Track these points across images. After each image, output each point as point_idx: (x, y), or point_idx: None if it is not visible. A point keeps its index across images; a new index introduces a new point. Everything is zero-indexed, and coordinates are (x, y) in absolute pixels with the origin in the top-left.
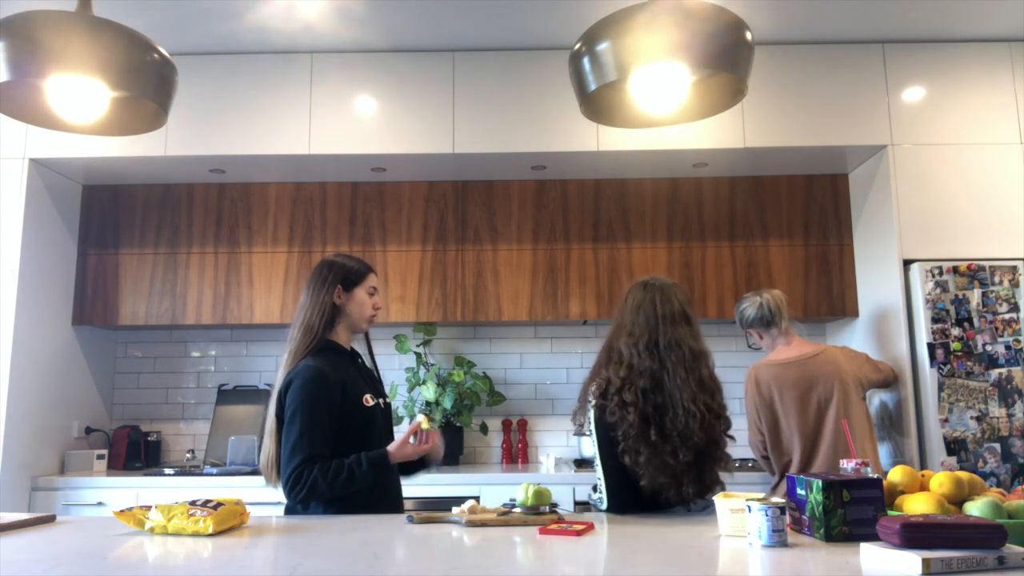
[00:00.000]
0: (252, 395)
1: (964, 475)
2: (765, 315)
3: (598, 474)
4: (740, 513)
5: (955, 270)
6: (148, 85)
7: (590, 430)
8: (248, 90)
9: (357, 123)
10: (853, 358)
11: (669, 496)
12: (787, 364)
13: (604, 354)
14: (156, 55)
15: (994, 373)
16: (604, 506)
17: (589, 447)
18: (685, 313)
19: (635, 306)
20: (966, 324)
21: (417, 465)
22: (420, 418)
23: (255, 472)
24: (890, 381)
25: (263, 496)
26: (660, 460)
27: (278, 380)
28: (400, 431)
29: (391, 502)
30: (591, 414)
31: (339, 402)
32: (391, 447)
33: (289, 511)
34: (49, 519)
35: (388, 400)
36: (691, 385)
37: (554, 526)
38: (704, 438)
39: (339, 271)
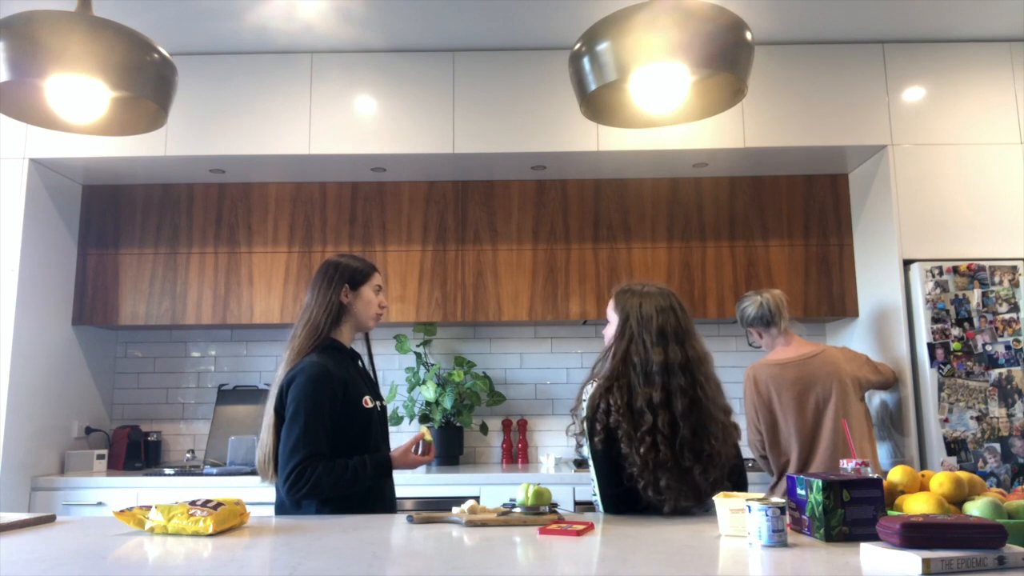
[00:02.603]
0: (252, 395)
1: (964, 475)
2: (764, 314)
3: (594, 484)
4: (740, 513)
5: (955, 270)
6: (148, 85)
7: (582, 446)
8: (248, 90)
9: (357, 123)
10: (853, 359)
11: (691, 513)
12: (786, 364)
13: (618, 366)
14: (156, 55)
15: (994, 373)
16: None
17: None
18: (690, 319)
19: (653, 315)
20: (966, 324)
21: None
22: (423, 429)
23: (255, 472)
24: (890, 383)
25: (263, 496)
26: (690, 482)
27: (279, 376)
28: (397, 432)
29: (386, 505)
30: (594, 434)
31: (341, 400)
32: (394, 454)
33: (280, 509)
34: (49, 519)
35: (384, 403)
36: (720, 397)
37: (554, 526)
38: (734, 453)
39: (345, 270)
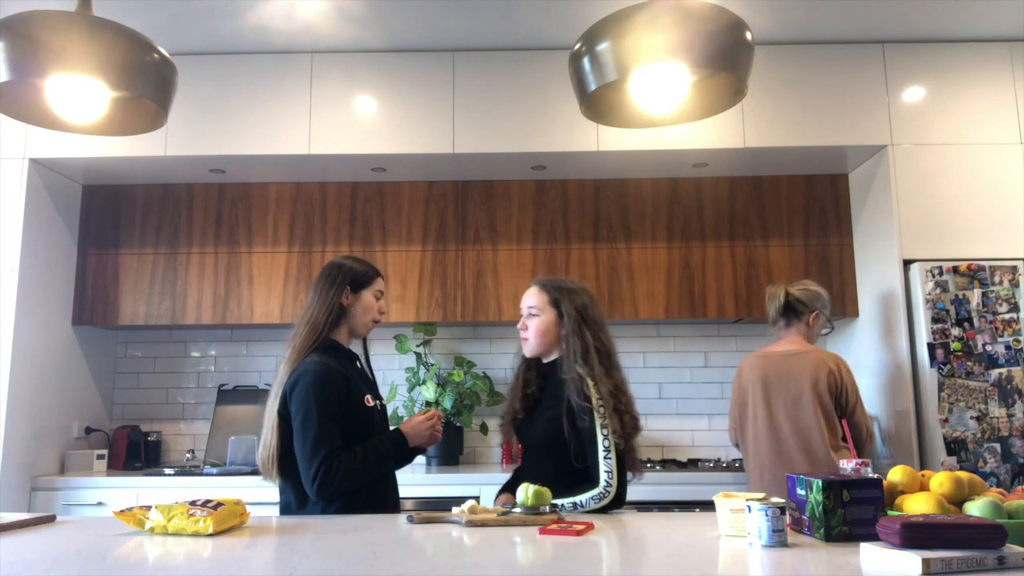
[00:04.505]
0: (252, 395)
1: (964, 475)
2: (767, 301)
3: (605, 468)
4: (740, 513)
5: (955, 270)
6: (148, 85)
7: (607, 434)
8: (248, 90)
9: (357, 123)
10: (839, 376)
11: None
12: (768, 357)
13: (604, 361)
14: (156, 55)
15: (994, 373)
16: (606, 501)
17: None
18: None
19: (592, 307)
20: (966, 324)
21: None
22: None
23: (255, 472)
24: (859, 437)
25: (263, 496)
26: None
27: (281, 375)
28: None
29: (391, 501)
30: (609, 424)
31: (344, 398)
32: (404, 427)
33: (285, 510)
34: (49, 519)
35: (384, 403)
36: None
37: (554, 526)
38: None
39: (348, 272)
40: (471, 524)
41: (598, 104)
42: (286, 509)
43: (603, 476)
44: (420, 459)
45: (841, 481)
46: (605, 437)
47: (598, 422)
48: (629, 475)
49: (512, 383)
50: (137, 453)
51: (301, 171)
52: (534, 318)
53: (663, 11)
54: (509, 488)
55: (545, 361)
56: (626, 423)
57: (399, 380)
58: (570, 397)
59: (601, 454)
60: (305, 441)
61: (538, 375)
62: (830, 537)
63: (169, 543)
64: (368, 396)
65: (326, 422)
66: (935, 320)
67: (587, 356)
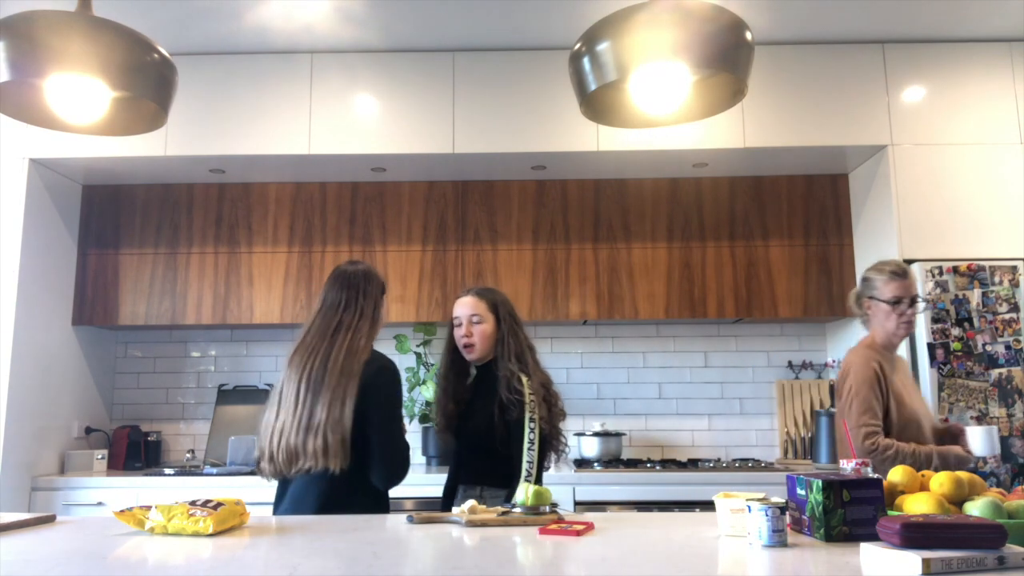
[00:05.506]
0: (252, 395)
1: (964, 475)
2: None
3: (527, 459)
4: (740, 513)
5: (955, 270)
6: (148, 85)
7: (534, 427)
8: (248, 90)
9: (357, 123)
10: (841, 379)
11: None
12: None
13: (534, 358)
14: (156, 55)
15: (994, 373)
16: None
17: (590, 447)
18: None
19: (514, 306)
20: (966, 324)
21: None
22: None
23: (255, 472)
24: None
25: (263, 496)
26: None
27: (341, 362)
28: None
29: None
30: (537, 413)
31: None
32: None
33: (327, 506)
34: (49, 519)
35: None
36: None
37: (554, 526)
38: None
39: (380, 283)
40: (471, 524)
41: (598, 104)
42: (327, 502)
43: (524, 466)
44: (420, 459)
45: (841, 481)
46: (531, 430)
47: (527, 415)
48: (553, 459)
49: (442, 391)
50: (137, 453)
51: (301, 171)
52: (479, 325)
53: (663, 11)
54: (448, 502)
55: (478, 365)
56: (555, 413)
57: None
58: (500, 391)
59: (526, 445)
60: (393, 431)
61: (469, 378)
62: (830, 537)
63: (169, 543)
64: None
65: (403, 416)
66: (935, 320)
67: (521, 355)
